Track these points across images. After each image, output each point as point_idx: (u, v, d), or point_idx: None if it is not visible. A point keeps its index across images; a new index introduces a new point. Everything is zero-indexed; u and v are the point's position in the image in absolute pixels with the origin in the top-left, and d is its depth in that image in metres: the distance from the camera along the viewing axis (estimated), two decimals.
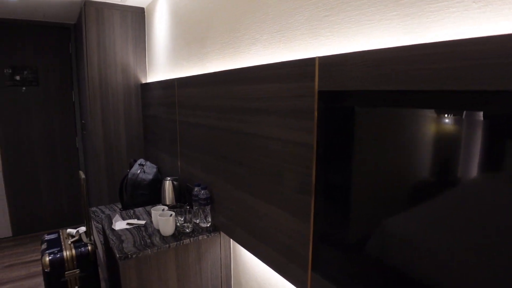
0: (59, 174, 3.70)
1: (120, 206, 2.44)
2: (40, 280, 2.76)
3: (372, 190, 0.86)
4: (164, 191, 1.96)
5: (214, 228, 1.76)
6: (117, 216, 1.91)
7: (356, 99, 0.87)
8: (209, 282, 1.79)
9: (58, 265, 1.83)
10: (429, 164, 0.73)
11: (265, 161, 1.25)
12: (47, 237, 2.06)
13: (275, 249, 1.24)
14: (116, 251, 1.53)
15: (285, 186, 1.15)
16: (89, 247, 1.92)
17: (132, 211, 2.03)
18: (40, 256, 3.30)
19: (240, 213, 1.47)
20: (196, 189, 1.78)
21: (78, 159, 3.80)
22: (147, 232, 1.73)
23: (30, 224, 3.61)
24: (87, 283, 1.94)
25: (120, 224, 1.81)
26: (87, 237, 2.04)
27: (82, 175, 2.10)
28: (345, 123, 0.91)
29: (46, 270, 1.81)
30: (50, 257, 1.82)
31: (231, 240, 1.83)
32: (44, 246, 1.95)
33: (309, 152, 1.02)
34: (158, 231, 1.74)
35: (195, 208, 1.82)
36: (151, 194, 2.28)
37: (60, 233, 2.10)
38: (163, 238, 1.66)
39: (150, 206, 2.12)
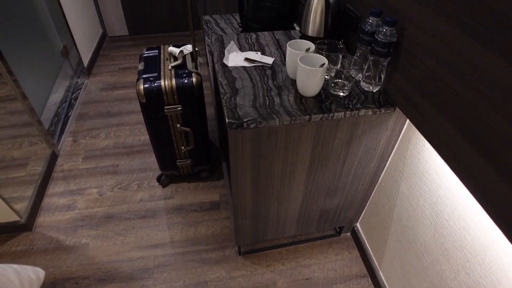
0: None
1: (238, 19, 1.75)
2: None
3: None
4: (308, 10, 1.15)
5: (385, 98, 1.00)
6: (232, 44, 1.24)
7: None
8: (350, 175, 1.17)
9: (155, 96, 1.36)
10: None
11: None
12: (145, 53, 1.55)
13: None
14: (226, 111, 0.93)
15: None
16: (194, 78, 1.37)
17: (254, 36, 1.33)
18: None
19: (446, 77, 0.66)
20: (371, 19, 0.94)
21: None
22: (275, 81, 1.05)
23: (144, 25, 3.26)
24: (190, 122, 1.49)
25: (235, 58, 1.16)
26: (192, 61, 1.48)
27: None
28: None
29: (142, 101, 1.37)
30: (145, 85, 1.34)
31: (405, 124, 1.06)
32: (140, 66, 1.46)
33: None
34: (293, 82, 1.05)
35: (358, 52, 1.03)
36: (280, 9, 1.50)
37: (161, 50, 1.57)
38: (301, 101, 0.98)
39: (280, 32, 1.38)
